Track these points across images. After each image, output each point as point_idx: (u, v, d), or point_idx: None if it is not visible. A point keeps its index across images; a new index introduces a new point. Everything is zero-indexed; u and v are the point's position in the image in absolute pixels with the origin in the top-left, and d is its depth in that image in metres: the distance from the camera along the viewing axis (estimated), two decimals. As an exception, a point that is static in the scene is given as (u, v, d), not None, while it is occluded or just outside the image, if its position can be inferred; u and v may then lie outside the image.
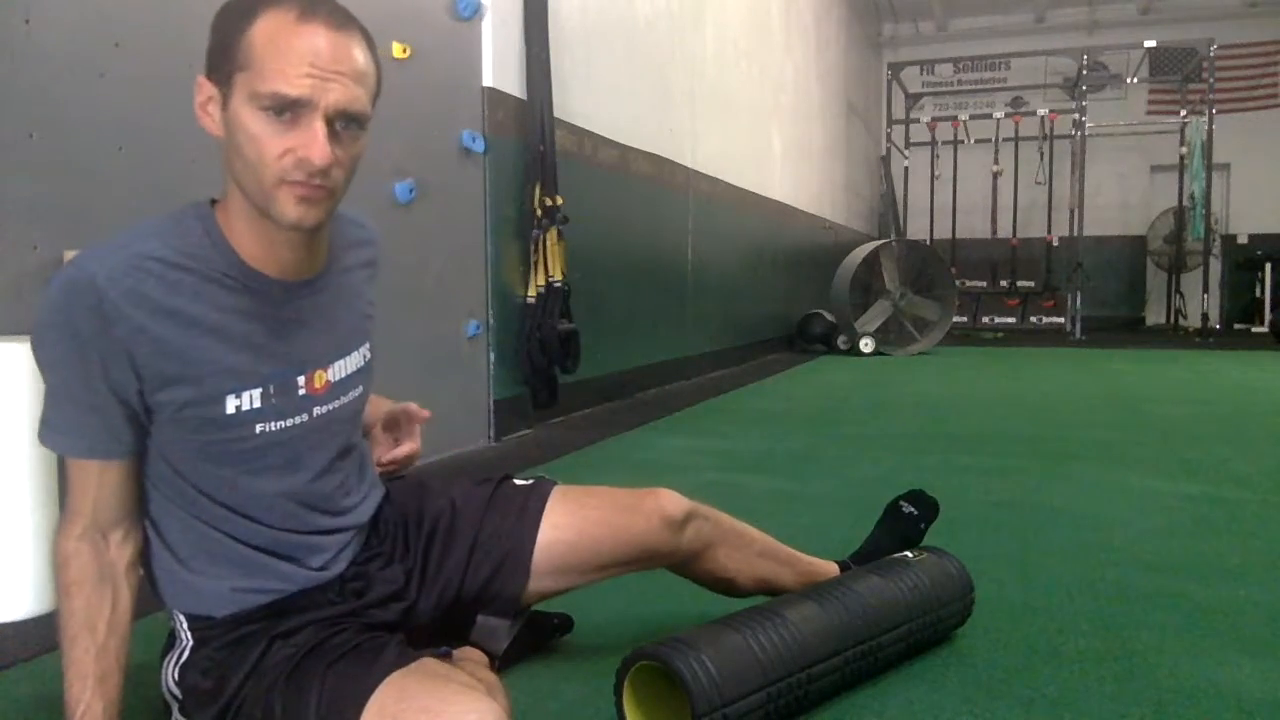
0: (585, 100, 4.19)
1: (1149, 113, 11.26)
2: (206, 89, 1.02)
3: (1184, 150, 9.89)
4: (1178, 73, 10.43)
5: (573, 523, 1.32)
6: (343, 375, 1.17)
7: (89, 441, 1.05)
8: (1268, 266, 10.17)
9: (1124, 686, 1.37)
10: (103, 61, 1.96)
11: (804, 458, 3.23)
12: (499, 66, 3.51)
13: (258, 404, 1.08)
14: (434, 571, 1.29)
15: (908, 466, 3.03)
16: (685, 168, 5.50)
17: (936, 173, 10.87)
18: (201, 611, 1.12)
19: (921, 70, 11.77)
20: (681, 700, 1.14)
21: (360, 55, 1.01)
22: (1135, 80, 10.72)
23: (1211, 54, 9.46)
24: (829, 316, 7.91)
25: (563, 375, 3.84)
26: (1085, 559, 2.00)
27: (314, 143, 0.98)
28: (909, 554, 1.53)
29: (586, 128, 4.22)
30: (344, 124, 1.00)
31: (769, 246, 7.40)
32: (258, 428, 1.08)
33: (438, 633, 1.30)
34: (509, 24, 3.60)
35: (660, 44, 5.16)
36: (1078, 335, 9.54)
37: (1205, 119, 9.44)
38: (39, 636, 1.57)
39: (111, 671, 1.06)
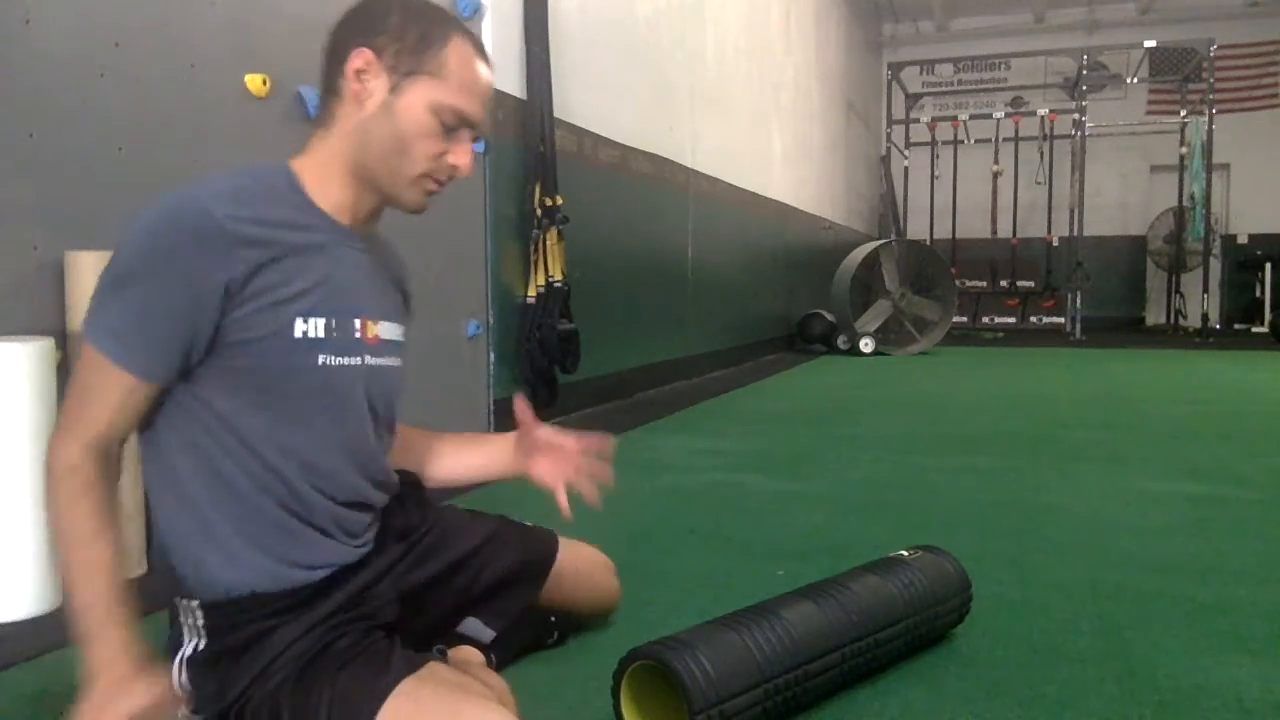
0: (585, 100, 4.19)
1: (1149, 113, 11.26)
2: (370, 60, 1.11)
3: (1184, 150, 9.89)
4: (1178, 73, 10.43)
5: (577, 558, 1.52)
6: (387, 338, 1.22)
7: (145, 356, 1.03)
8: (1268, 266, 10.17)
9: (1124, 686, 1.37)
10: (103, 61, 1.96)
11: (804, 458, 3.23)
12: (499, 66, 3.50)
13: (321, 334, 1.12)
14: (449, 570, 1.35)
15: (907, 466, 3.03)
16: (685, 168, 5.50)
17: (936, 173, 10.87)
18: (226, 588, 1.10)
19: (921, 70, 11.77)
20: (678, 699, 1.14)
21: None
22: (1135, 80, 10.72)
23: (1211, 54, 9.45)
24: (829, 316, 7.91)
25: (563, 375, 3.84)
26: (1085, 559, 2.00)
27: (468, 155, 1.16)
28: (904, 552, 1.53)
29: (586, 128, 4.22)
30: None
31: (769, 246, 7.40)
32: (319, 358, 1.12)
33: (431, 628, 1.33)
34: (509, 24, 3.60)
35: (660, 44, 5.16)
36: (1078, 335, 9.53)
37: (1205, 119, 9.44)
38: (39, 636, 1.57)
39: (122, 578, 1.04)
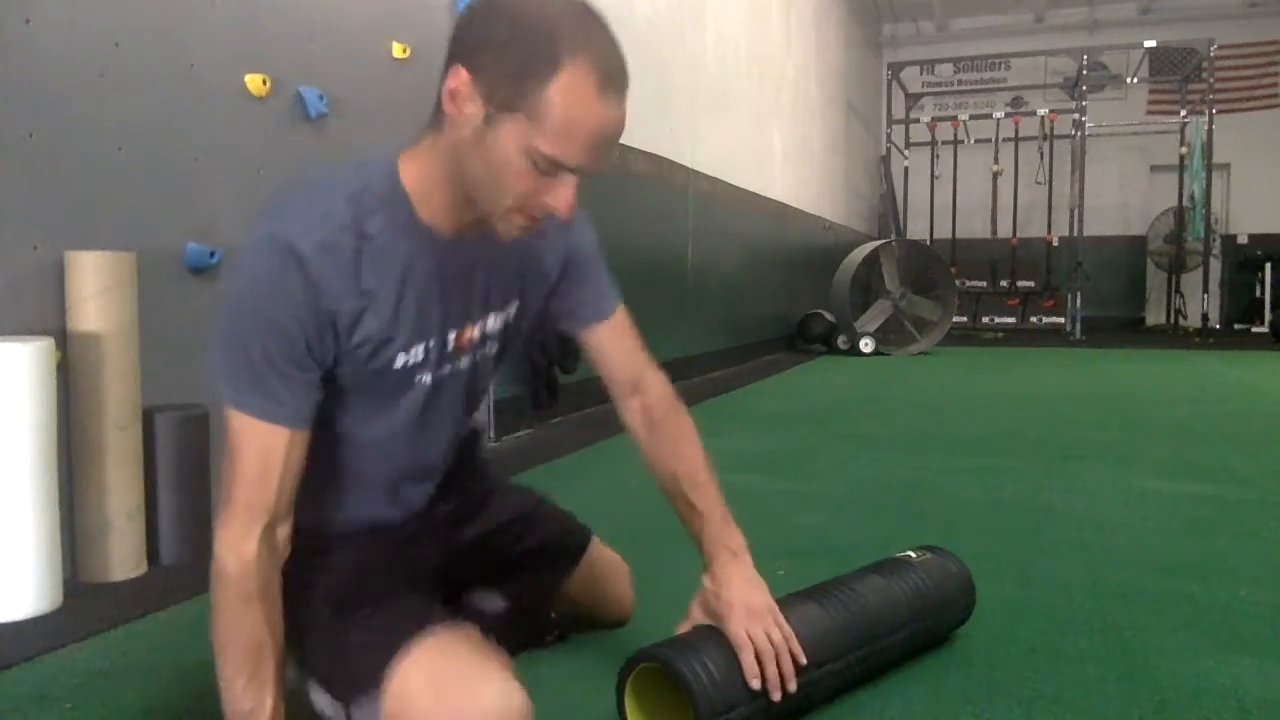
0: (585, 100, 4.19)
1: (1149, 113, 11.26)
2: (465, 82, 0.97)
3: (1184, 150, 9.89)
4: (1178, 73, 10.42)
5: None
6: (484, 330, 1.19)
7: (293, 407, 1.04)
8: (1268, 266, 10.17)
9: (1124, 686, 1.37)
10: (103, 61, 1.96)
11: (804, 458, 3.23)
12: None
13: (420, 358, 1.13)
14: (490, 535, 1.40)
15: (907, 466, 3.03)
16: (685, 168, 5.50)
17: (936, 173, 10.87)
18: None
19: (921, 70, 11.77)
20: (684, 702, 1.14)
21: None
22: (1135, 80, 10.72)
23: (1211, 54, 9.46)
24: (829, 316, 7.91)
25: (563, 375, 3.84)
26: (1085, 559, 2.00)
27: (565, 200, 1.01)
28: (911, 553, 1.52)
29: (586, 128, 4.22)
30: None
31: (769, 246, 7.40)
32: (417, 377, 1.14)
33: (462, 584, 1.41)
34: (509, 24, 3.60)
35: (660, 44, 5.15)
36: (1078, 335, 9.53)
37: (1205, 119, 9.45)
38: (39, 636, 1.57)
39: (282, 680, 1.06)
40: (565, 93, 0.94)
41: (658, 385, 1.34)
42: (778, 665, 1.17)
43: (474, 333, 1.18)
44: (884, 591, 1.39)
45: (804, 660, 1.20)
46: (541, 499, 1.51)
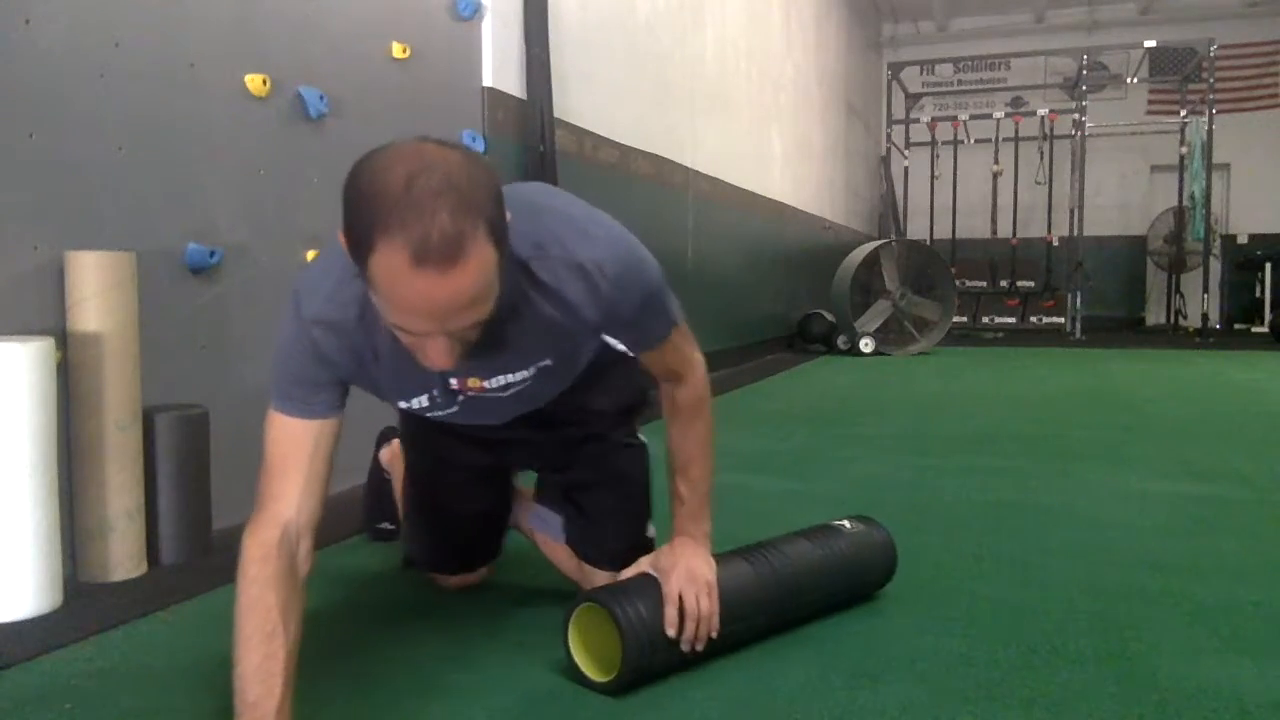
0: (585, 100, 4.19)
1: (1149, 113, 11.26)
2: (344, 243, 1.00)
3: (1184, 150, 9.88)
4: (1178, 73, 10.42)
5: None
6: (501, 383, 1.29)
7: (309, 405, 1.17)
8: (1268, 266, 10.16)
9: (1124, 686, 1.37)
10: (103, 61, 1.96)
11: (804, 458, 3.23)
12: (499, 66, 3.51)
13: (425, 403, 1.30)
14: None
15: (908, 466, 3.03)
16: (685, 168, 5.50)
17: (936, 173, 10.86)
18: None
19: (921, 70, 11.77)
20: (616, 639, 1.30)
21: (477, 278, 0.96)
22: (1135, 80, 10.71)
23: (1211, 54, 9.45)
24: (829, 316, 7.90)
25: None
26: (1085, 559, 2.00)
27: (434, 358, 1.04)
28: (844, 523, 1.67)
29: (586, 128, 4.22)
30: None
31: (769, 246, 7.40)
32: (429, 414, 1.32)
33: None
34: (509, 24, 3.60)
35: (660, 44, 5.15)
36: (1078, 335, 9.53)
37: (1205, 119, 9.44)
38: (39, 636, 1.57)
39: (293, 677, 1.08)
40: (381, 269, 0.95)
41: (693, 385, 1.44)
42: (697, 627, 1.35)
43: (484, 384, 1.27)
44: (808, 555, 1.55)
45: (716, 635, 1.38)
46: (624, 494, 1.64)
